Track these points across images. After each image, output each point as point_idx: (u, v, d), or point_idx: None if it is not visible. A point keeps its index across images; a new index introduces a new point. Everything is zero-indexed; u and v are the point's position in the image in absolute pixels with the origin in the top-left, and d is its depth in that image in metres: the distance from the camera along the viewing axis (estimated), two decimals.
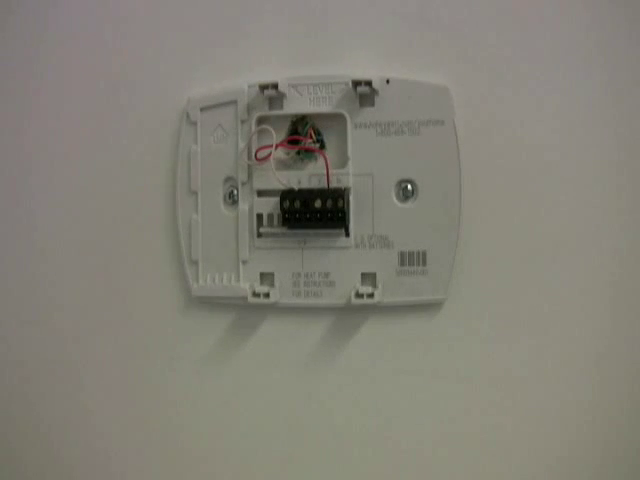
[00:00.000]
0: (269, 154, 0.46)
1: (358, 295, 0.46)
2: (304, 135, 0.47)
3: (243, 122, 0.48)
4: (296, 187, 0.46)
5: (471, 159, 0.46)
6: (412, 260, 0.46)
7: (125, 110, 0.50)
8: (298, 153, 0.47)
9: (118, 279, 0.51)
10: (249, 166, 0.48)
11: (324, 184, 0.46)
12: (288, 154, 0.47)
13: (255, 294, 0.47)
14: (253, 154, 0.47)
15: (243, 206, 0.48)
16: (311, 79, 0.47)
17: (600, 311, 0.45)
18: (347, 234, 0.47)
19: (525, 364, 0.46)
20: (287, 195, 0.46)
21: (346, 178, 0.46)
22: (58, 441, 0.53)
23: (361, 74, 0.45)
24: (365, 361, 0.48)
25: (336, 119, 0.47)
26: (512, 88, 0.46)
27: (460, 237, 0.46)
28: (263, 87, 0.46)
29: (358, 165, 0.46)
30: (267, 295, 0.47)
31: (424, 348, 0.47)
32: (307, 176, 0.47)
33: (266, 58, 0.48)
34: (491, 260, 0.46)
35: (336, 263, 0.47)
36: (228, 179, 0.49)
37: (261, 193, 0.48)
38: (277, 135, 0.46)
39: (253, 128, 0.47)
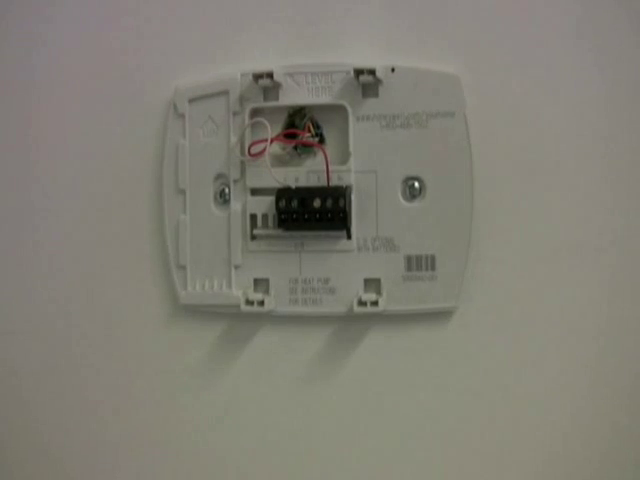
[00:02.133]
0: (263, 149, 0.44)
1: (361, 303, 0.44)
2: (302, 128, 0.45)
3: (235, 114, 0.46)
4: (293, 185, 0.45)
5: (484, 154, 0.44)
6: (420, 265, 0.45)
7: (107, 101, 0.49)
8: (295, 148, 0.46)
9: (100, 285, 0.49)
10: (242, 162, 0.46)
11: (324, 182, 0.45)
12: (284, 149, 0.46)
13: (248, 302, 0.46)
14: (246, 149, 0.46)
15: (235, 206, 0.47)
16: (309, 68, 0.45)
17: (623, 318, 0.44)
18: (349, 236, 0.45)
19: (541, 378, 0.45)
20: (283, 194, 0.44)
21: (348, 175, 0.45)
22: (45, 454, 0.51)
23: (364, 62, 0.44)
24: (369, 374, 0.46)
25: (337, 111, 0.45)
26: (527, 77, 0.44)
27: (472, 239, 0.44)
28: (257, 76, 0.45)
29: (361, 161, 0.45)
30: (261, 303, 0.45)
31: (433, 360, 0.46)
32: (305, 173, 0.45)
33: (261, 45, 0.47)
34: (506, 264, 0.45)
35: (337, 268, 0.46)
36: (219, 176, 0.47)
37: (255, 192, 0.46)
38: (272, 128, 0.45)
39: (246, 121, 0.46)
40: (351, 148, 0.45)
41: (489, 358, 0.45)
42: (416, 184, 0.45)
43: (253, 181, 0.47)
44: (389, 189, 0.45)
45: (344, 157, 0.46)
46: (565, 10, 0.44)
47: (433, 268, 0.45)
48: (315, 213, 0.44)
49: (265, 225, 0.46)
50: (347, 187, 0.45)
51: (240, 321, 0.48)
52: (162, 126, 0.48)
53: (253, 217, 0.47)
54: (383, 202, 0.45)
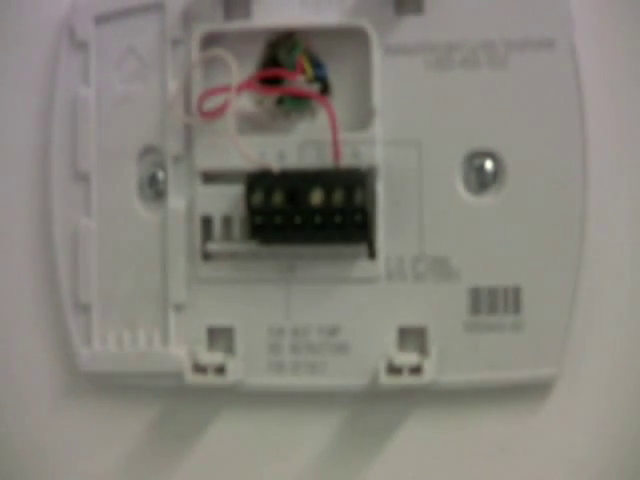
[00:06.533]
0: (224, 104, 0.35)
1: (393, 369, 0.35)
2: (291, 68, 0.36)
3: (176, 44, 0.37)
4: (276, 167, 0.36)
5: (604, 111, 0.35)
6: (494, 304, 0.36)
7: None
8: (280, 102, 0.37)
9: None
10: (187, 127, 0.37)
11: (328, 160, 0.36)
12: (261, 104, 0.37)
13: (199, 368, 0.36)
14: (195, 104, 0.36)
15: (176, 202, 0.37)
16: None
17: None
18: (372, 254, 0.36)
19: None
20: (259, 182, 0.35)
21: (371, 149, 0.36)
22: None
23: None
24: None
25: (351, 39, 0.37)
26: None
27: (584, 260, 0.35)
28: None
29: (393, 125, 0.36)
30: (221, 370, 0.36)
31: (515, 467, 0.36)
32: (297, 145, 0.36)
33: None
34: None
35: (351, 310, 0.36)
36: (148, 151, 0.38)
37: (210, 178, 0.37)
38: (241, 68, 0.36)
39: (195, 56, 0.37)
40: (376, 102, 0.36)
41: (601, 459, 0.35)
42: (488, 164, 0.36)
43: (206, 159, 0.37)
44: (442, 173, 0.36)
45: (364, 118, 0.37)
46: None
47: (517, 309, 0.35)
48: (314, 215, 0.35)
49: (227, 235, 0.37)
50: (370, 170, 0.36)
51: (185, 401, 0.38)
52: (50, 65, 0.38)
53: (207, 222, 0.37)
54: (432, 196, 0.36)
